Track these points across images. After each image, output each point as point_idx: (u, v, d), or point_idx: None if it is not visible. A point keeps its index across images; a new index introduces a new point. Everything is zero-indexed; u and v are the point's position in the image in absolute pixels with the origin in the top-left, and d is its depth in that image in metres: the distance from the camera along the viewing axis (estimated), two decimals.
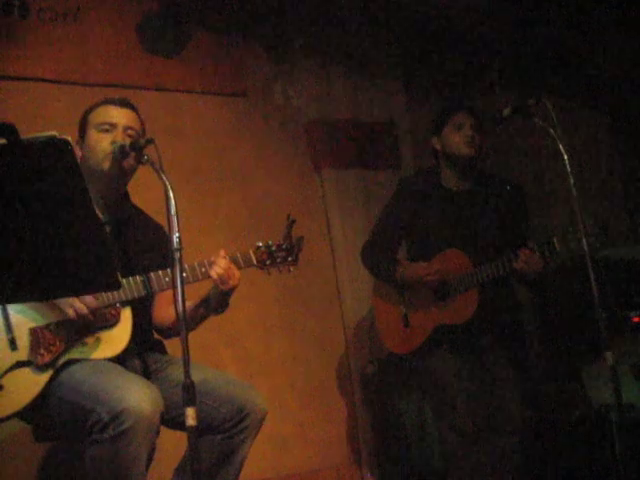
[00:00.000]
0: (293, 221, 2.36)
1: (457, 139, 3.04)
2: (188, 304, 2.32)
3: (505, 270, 2.89)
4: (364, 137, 4.24)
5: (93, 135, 2.29)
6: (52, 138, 1.12)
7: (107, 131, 2.28)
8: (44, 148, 1.12)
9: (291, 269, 2.39)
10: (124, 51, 3.62)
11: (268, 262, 2.35)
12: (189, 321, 2.34)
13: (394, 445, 3.78)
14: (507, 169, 4.05)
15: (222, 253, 2.25)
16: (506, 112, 2.56)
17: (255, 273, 3.47)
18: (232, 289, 2.25)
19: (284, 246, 2.36)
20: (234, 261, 2.28)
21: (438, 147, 3.12)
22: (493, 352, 3.06)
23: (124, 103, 2.35)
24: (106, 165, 2.24)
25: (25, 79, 3.31)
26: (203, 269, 2.25)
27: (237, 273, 2.24)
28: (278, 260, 2.35)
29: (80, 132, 2.35)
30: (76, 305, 2.08)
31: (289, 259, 2.37)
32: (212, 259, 2.24)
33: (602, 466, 3.16)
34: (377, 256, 3.25)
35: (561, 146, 2.32)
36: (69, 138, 1.14)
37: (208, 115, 3.81)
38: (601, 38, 4.23)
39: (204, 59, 3.84)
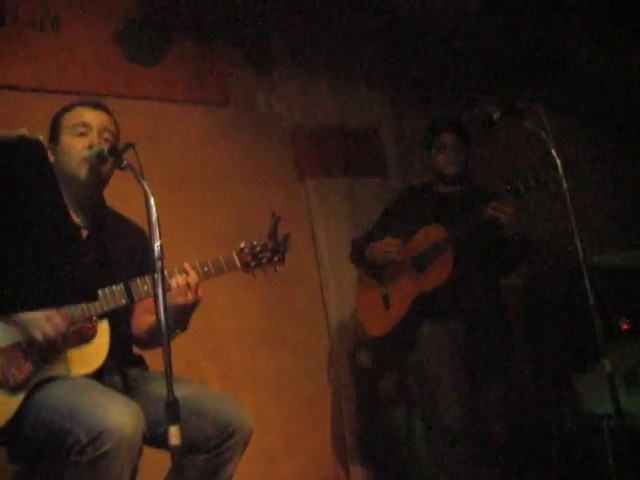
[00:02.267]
0: (278, 218, 2.25)
1: (441, 160, 3.22)
2: (151, 319, 2.20)
3: (476, 220, 2.91)
4: (349, 145, 4.19)
5: (67, 139, 2.21)
6: (22, 138, 1.04)
7: (82, 134, 2.19)
8: (14, 148, 1.04)
9: (277, 269, 2.27)
10: (104, 59, 3.55)
11: (252, 264, 2.22)
12: (151, 338, 2.25)
13: (383, 456, 3.71)
14: (494, 174, 4.01)
15: (185, 265, 2.13)
16: (496, 116, 2.52)
17: (238, 285, 3.43)
18: (191, 305, 2.12)
19: (269, 245, 2.24)
20: (216, 265, 2.18)
21: (429, 164, 3.31)
22: (478, 352, 3.05)
23: (98, 105, 2.27)
24: (82, 171, 2.16)
25: (2, 87, 3.22)
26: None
27: (199, 290, 2.12)
28: (263, 261, 2.23)
29: (52, 136, 2.26)
30: (45, 328, 1.96)
31: (275, 259, 2.25)
32: (174, 270, 2.13)
33: (595, 475, 3.11)
34: (358, 246, 3.35)
35: (553, 151, 2.27)
36: (40, 137, 1.06)
37: (190, 124, 3.74)
38: (584, 42, 4.21)
39: (186, 68, 3.78)
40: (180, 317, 2.15)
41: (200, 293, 2.12)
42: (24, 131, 1.06)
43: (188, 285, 2.09)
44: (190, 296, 2.09)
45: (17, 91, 3.25)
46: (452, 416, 2.92)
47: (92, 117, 2.22)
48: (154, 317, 2.05)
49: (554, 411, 3.52)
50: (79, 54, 3.45)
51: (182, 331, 2.20)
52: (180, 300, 2.09)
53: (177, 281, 2.09)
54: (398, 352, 3.31)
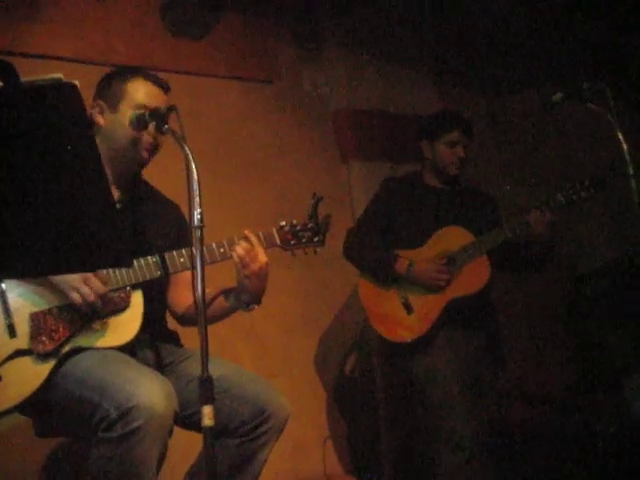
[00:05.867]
0: (319, 198, 2.16)
1: (448, 158, 3.10)
2: (208, 290, 2.15)
3: (519, 230, 2.85)
4: (393, 129, 4.09)
5: (128, 115, 2.07)
6: (57, 82, 0.94)
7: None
8: (47, 93, 0.94)
9: (317, 250, 2.17)
10: (148, 32, 3.50)
11: (293, 242, 2.13)
12: (207, 312, 2.17)
13: (416, 447, 3.58)
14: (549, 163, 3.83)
15: (246, 232, 2.05)
16: (556, 98, 2.39)
17: (276, 267, 3.33)
18: (256, 275, 2.02)
19: (310, 225, 2.15)
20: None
21: (427, 154, 3.17)
22: (481, 352, 2.99)
23: (167, 88, 2.17)
24: (127, 144, 2.08)
25: (45, 57, 3.18)
26: (222, 249, 2.04)
27: (262, 256, 2.02)
28: (303, 240, 2.14)
29: (108, 97, 2.13)
30: (82, 290, 1.88)
31: (315, 239, 2.15)
32: (234, 238, 2.05)
33: None
34: (366, 246, 3.13)
35: (620, 134, 2.13)
36: (76, 82, 0.97)
37: (234, 101, 3.67)
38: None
39: (230, 43, 3.72)
40: (251, 290, 2.06)
41: (263, 259, 2.02)
42: (60, 75, 0.97)
43: (249, 254, 2.00)
44: (254, 267, 2.01)
45: (58, 61, 3.20)
46: (465, 429, 2.79)
47: (159, 101, 2.10)
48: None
49: (599, 414, 3.36)
50: (123, 26, 3.41)
51: (257, 305, 2.12)
52: (245, 270, 2.01)
53: (237, 252, 2.01)
54: (406, 355, 3.08)
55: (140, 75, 2.15)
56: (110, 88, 2.14)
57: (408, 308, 2.99)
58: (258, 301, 2.11)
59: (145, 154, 2.12)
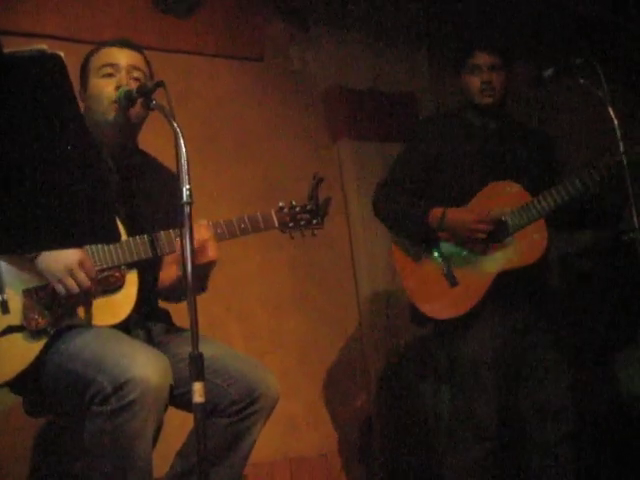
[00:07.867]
0: (320, 180, 2.11)
1: (473, 85, 2.73)
2: (177, 271, 2.07)
3: (587, 187, 2.47)
4: (384, 108, 4.06)
5: (94, 82, 2.09)
6: (41, 53, 0.93)
7: (110, 75, 2.08)
8: (31, 64, 0.93)
9: (315, 232, 2.15)
10: (135, 10, 3.47)
11: (291, 224, 2.11)
12: (172, 292, 2.14)
13: (408, 428, 3.60)
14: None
15: (203, 222, 1.98)
16: (547, 73, 2.36)
17: (266, 246, 3.35)
18: (203, 266, 1.94)
19: (309, 207, 2.12)
20: (253, 222, 2.06)
21: (461, 88, 2.82)
22: (535, 329, 2.67)
23: (126, 43, 2.14)
24: (111, 114, 2.04)
25: (31, 35, 3.13)
26: (177, 238, 1.97)
27: (213, 250, 1.95)
28: (302, 223, 2.11)
29: (81, 82, 2.15)
30: (78, 278, 1.84)
31: (314, 222, 2.12)
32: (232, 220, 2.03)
33: (629, 461, 2.99)
34: (396, 200, 2.76)
35: (611, 110, 2.12)
36: (61, 54, 0.95)
37: (222, 79, 3.64)
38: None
39: (219, 21, 3.68)
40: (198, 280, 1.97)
41: (212, 254, 1.95)
42: (44, 46, 0.95)
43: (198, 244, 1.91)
44: (204, 257, 1.93)
45: (45, 39, 3.16)
46: (487, 414, 2.58)
47: (120, 56, 2.11)
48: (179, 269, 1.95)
49: (588, 391, 3.38)
50: (111, 4, 3.37)
51: (201, 292, 2.06)
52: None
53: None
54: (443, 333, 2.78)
55: (98, 48, 2.16)
56: (81, 75, 2.15)
57: (451, 280, 2.65)
58: (202, 288, 2.05)
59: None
